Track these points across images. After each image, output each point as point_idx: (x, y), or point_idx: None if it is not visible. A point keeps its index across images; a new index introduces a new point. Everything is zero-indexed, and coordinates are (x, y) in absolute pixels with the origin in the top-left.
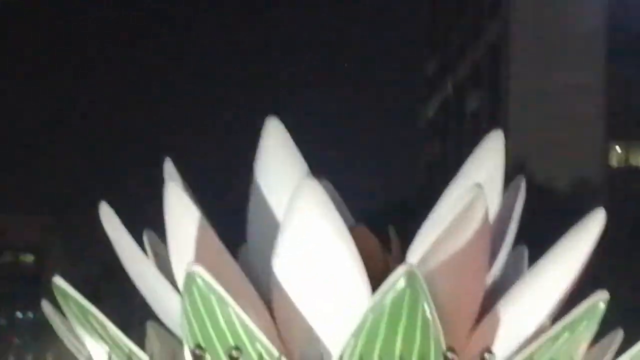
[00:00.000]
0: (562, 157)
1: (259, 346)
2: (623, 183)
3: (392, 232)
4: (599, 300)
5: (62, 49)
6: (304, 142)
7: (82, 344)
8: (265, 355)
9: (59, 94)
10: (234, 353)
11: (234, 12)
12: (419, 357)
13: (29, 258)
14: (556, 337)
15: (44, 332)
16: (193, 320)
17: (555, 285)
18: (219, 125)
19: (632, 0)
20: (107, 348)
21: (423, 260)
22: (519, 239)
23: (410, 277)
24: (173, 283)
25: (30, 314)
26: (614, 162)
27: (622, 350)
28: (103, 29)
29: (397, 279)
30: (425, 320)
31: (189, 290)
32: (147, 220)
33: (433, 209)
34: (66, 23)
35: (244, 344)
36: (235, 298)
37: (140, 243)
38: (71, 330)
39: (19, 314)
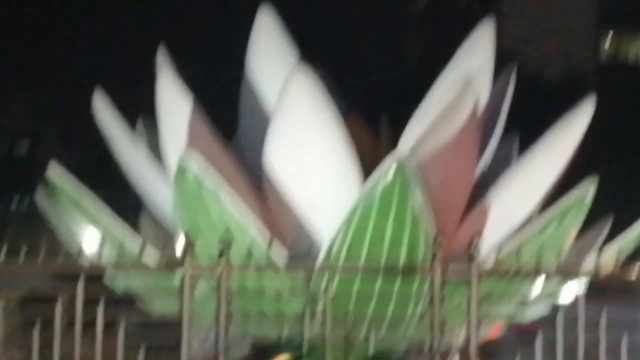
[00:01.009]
0: (553, 44)
1: (250, 234)
2: (614, 71)
3: (383, 121)
4: (588, 188)
5: None
6: (296, 29)
7: (76, 231)
8: (256, 243)
9: None
10: (226, 240)
11: None
12: (408, 246)
13: (24, 145)
14: (545, 226)
15: (38, 219)
16: (185, 208)
17: (544, 174)
18: (212, 13)
19: None
20: (100, 235)
21: (413, 150)
22: (509, 128)
23: (401, 166)
24: (165, 171)
25: (25, 202)
26: (605, 50)
27: (611, 237)
28: None
29: (387, 169)
30: (414, 210)
31: (181, 178)
32: (140, 108)
33: (424, 99)
34: None
35: (236, 231)
36: (227, 186)
37: (134, 131)
38: (65, 217)
39: (13, 202)
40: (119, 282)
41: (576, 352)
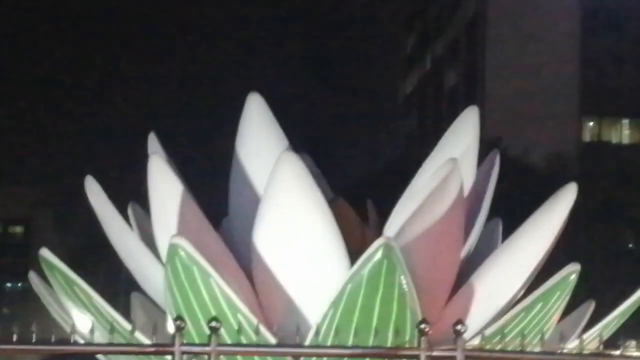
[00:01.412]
0: (536, 132)
1: (239, 316)
2: (595, 157)
3: (370, 205)
4: (571, 272)
5: (51, 29)
6: (285, 117)
7: (68, 314)
8: (245, 325)
9: (47, 70)
10: (215, 323)
11: None
12: (395, 328)
13: (18, 230)
14: (529, 309)
15: (32, 301)
16: (175, 291)
17: (528, 258)
18: (202, 101)
19: None
20: (91, 317)
21: (400, 233)
22: (493, 212)
23: (387, 249)
24: (157, 255)
25: (19, 284)
26: (586, 137)
27: (594, 321)
28: (93, 7)
29: (374, 251)
30: (401, 291)
31: (171, 262)
32: (131, 193)
33: (410, 183)
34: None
35: (225, 314)
36: (217, 269)
37: (125, 216)
38: (57, 300)
39: (8, 284)
40: None
41: None
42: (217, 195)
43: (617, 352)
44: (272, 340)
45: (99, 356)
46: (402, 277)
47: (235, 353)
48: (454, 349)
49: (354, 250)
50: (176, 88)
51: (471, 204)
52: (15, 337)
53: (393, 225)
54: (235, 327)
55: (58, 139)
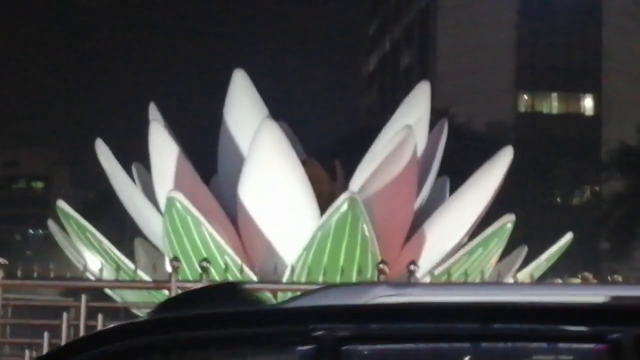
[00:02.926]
0: (478, 103)
1: (226, 257)
2: (528, 125)
3: (337, 164)
4: (507, 221)
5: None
6: (266, 89)
7: (81, 255)
8: (231, 265)
9: (63, 47)
10: (205, 263)
11: None
12: (358, 268)
13: (39, 185)
14: (471, 252)
15: (50, 245)
16: (172, 236)
17: (471, 209)
18: (195, 76)
19: None
20: (100, 258)
21: (363, 188)
22: (441, 171)
23: (352, 202)
24: (156, 206)
25: (40, 231)
26: (521, 108)
27: (526, 262)
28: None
29: (341, 203)
30: (364, 237)
31: (169, 212)
32: (135, 154)
33: (372, 146)
34: None
35: (214, 255)
36: (208, 218)
37: (130, 173)
38: (72, 244)
39: (30, 231)
40: (117, 295)
41: None
42: (208, 156)
43: None
44: (254, 277)
45: (106, 290)
46: (364, 225)
47: None
48: (408, 284)
49: (324, 203)
50: (174, 65)
51: (423, 164)
52: (36, 274)
53: (357, 181)
54: (223, 266)
55: (75, 106)
